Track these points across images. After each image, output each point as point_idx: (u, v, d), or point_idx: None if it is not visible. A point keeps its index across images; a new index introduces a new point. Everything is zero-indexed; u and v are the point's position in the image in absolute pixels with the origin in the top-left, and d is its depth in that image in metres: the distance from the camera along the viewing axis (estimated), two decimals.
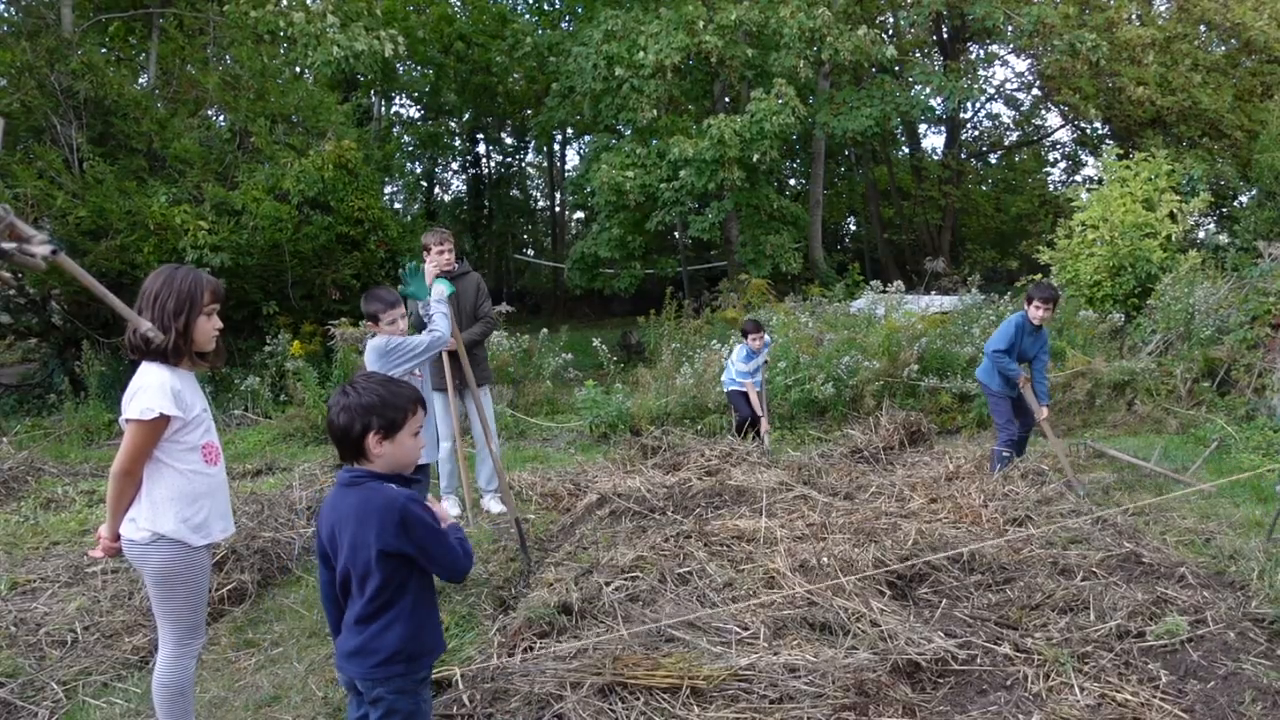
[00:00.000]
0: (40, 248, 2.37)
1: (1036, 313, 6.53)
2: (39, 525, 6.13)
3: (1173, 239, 11.89)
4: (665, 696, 3.39)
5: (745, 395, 8.18)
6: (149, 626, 4.34)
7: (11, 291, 11.30)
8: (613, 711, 3.26)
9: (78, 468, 7.83)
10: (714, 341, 11.16)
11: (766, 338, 8.39)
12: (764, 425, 8.02)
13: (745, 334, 8.22)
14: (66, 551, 5.56)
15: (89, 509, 6.55)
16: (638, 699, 3.36)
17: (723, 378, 8.63)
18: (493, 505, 6.42)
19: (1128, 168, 12.57)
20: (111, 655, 4.12)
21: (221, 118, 12.74)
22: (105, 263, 10.11)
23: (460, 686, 3.54)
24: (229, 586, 4.72)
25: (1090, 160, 26.95)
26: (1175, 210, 12.08)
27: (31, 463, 7.52)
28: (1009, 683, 3.59)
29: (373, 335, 4.92)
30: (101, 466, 7.95)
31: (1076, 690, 3.48)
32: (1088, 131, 25.56)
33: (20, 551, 5.58)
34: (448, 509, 6.36)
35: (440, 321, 4.89)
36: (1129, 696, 3.41)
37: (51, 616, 4.49)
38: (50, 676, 3.91)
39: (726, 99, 18.95)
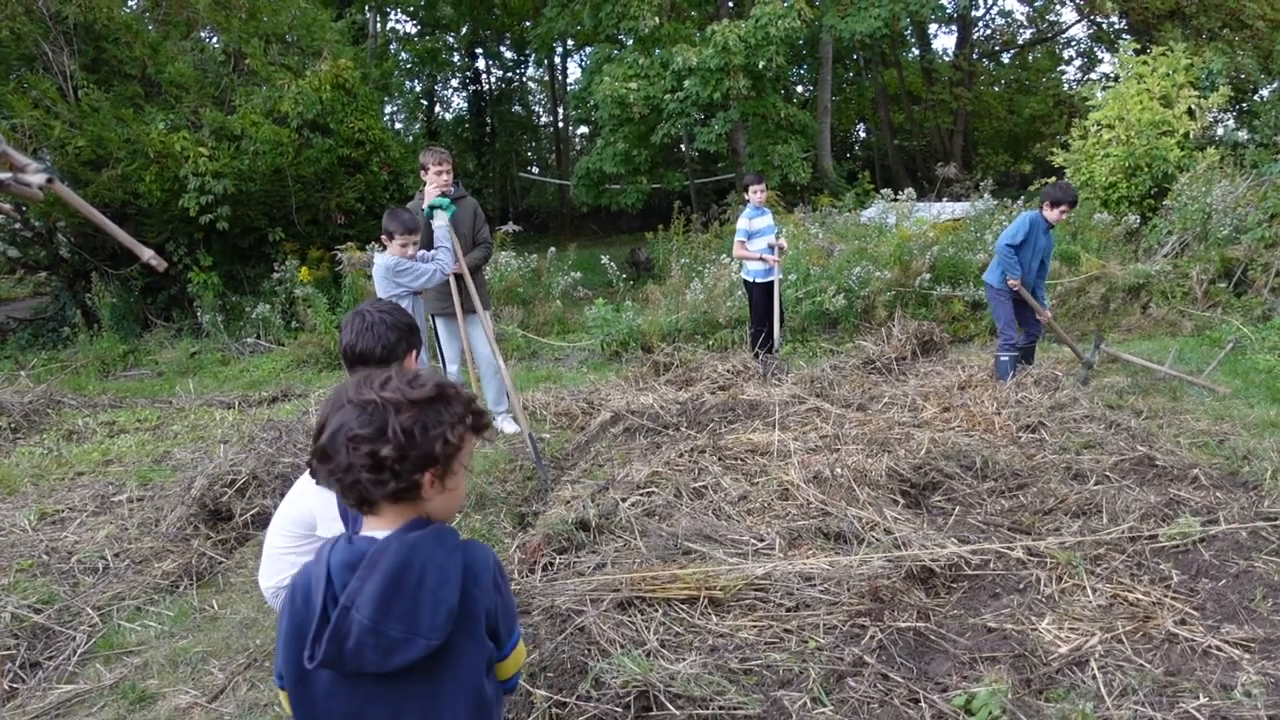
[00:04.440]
0: (35, 176, 2.34)
1: (1054, 214, 6.48)
2: (62, 456, 6.23)
3: (1190, 136, 11.61)
4: (684, 607, 3.46)
5: (761, 291, 7.75)
6: (177, 552, 4.45)
7: (17, 225, 11.26)
8: (633, 623, 3.33)
9: (96, 399, 7.91)
10: (724, 256, 11.07)
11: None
12: (776, 313, 7.66)
13: (747, 187, 7.85)
14: (91, 481, 5.67)
15: (110, 440, 6.64)
16: (656, 610, 3.43)
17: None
18: (505, 425, 6.47)
19: (1145, 63, 12.20)
20: (143, 580, 4.23)
21: (214, 39, 12.46)
22: (108, 193, 10.03)
23: None
24: (252, 511, 4.80)
25: (1106, 57, 26.17)
26: (1194, 106, 11.77)
27: (51, 395, 7.60)
28: (1021, 586, 3.64)
29: (380, 251, 5.18)
30: (119, 397, 8.04)
31: (1089, 591, 3.53)
32: (1104, 26, 24.77)
33: (46, 482, 5.69)
34: None
35: (444, 254, 5.24)
36: (1140, 596, 3.46)
37: (82, 545, 4.59)
38: (85, 602, 4.02)
39: (730, 4, 18.38)
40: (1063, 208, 6.49)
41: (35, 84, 10.13)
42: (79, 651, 3.67)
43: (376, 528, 1.56)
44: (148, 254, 2.76)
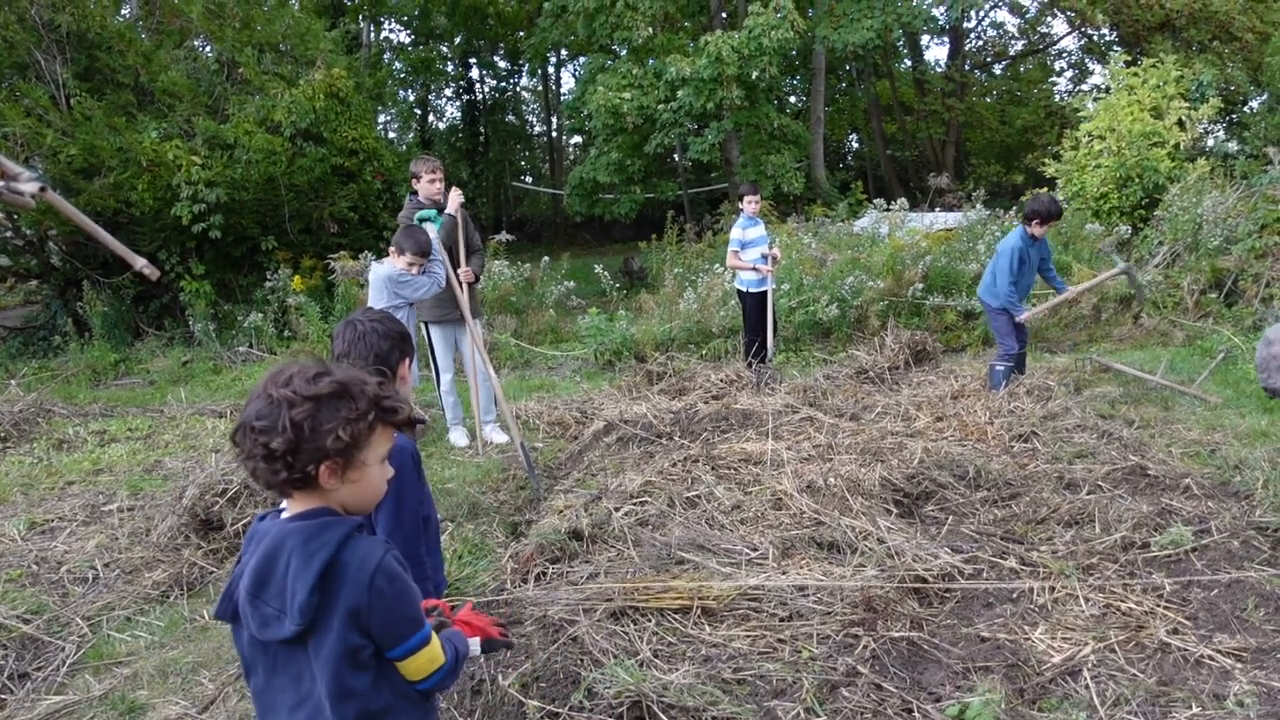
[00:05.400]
0: (28, 185, 2.34)
1: (1039, 230, 6.52)
2: (53, 466, 6.19)
3: (1181, 147, 11.68)
4: (677, 617, 3.45)
5: (755, 301, 7.76)
6: (167, 562, 4.43)
7: (9, 233, 11.22)
8: (626, 633, 3.33)
9: (87, 408, 7.87)
10: (717, 265, 11.09)
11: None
12: (770, 337, 7.70)
13: (742, 197, 7.86)
14: (82, 491, 5.63)
15: (100, 449, 6.61)
16: (649, 620, 3.42)
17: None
18: (494, 435, 6.45)
19: (1135, 75, 12.28)
20: (133, 590, 4.20)
21: (208, 48, 12.45)
22: (100, 201, 10.00)
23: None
24: (244, 521, 4.77)
25: (1097, 68, 26.30)
26: (1184, 118, 11.84)
27: (41, 404, 7.55)
28: (1015, 595, 3.65)
29: (377, 261, 5.24)
30: (110, 406, 8.01)
31: (1081, 601, 3.54)
32: (1094, 38, 24.92)
33: (36, 492, 5.65)
34: (455, 440, 6.51)
35: (437, 267, 5.33)
36: (1133, 605, 3.47)
37: (71, 554, 4.57)
38: (74, 612, 4.00)
39: (723, 14, 18.45)
40: (1051, 225, 6.57)
41: (28, 92, 10.10)
42: (68, 662, 3.64)
43: (289, 508, 1.67)
44: (140, 262, 2.75)
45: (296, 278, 10.64)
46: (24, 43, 10.36)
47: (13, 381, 8.82)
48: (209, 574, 4.44)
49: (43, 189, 2.28)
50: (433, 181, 5.90)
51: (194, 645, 3.75)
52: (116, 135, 10.08)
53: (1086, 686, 3.00)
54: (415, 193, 6.03)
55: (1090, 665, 3.11)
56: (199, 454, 6.33)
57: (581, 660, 3.15)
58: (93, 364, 9.61)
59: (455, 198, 6.01)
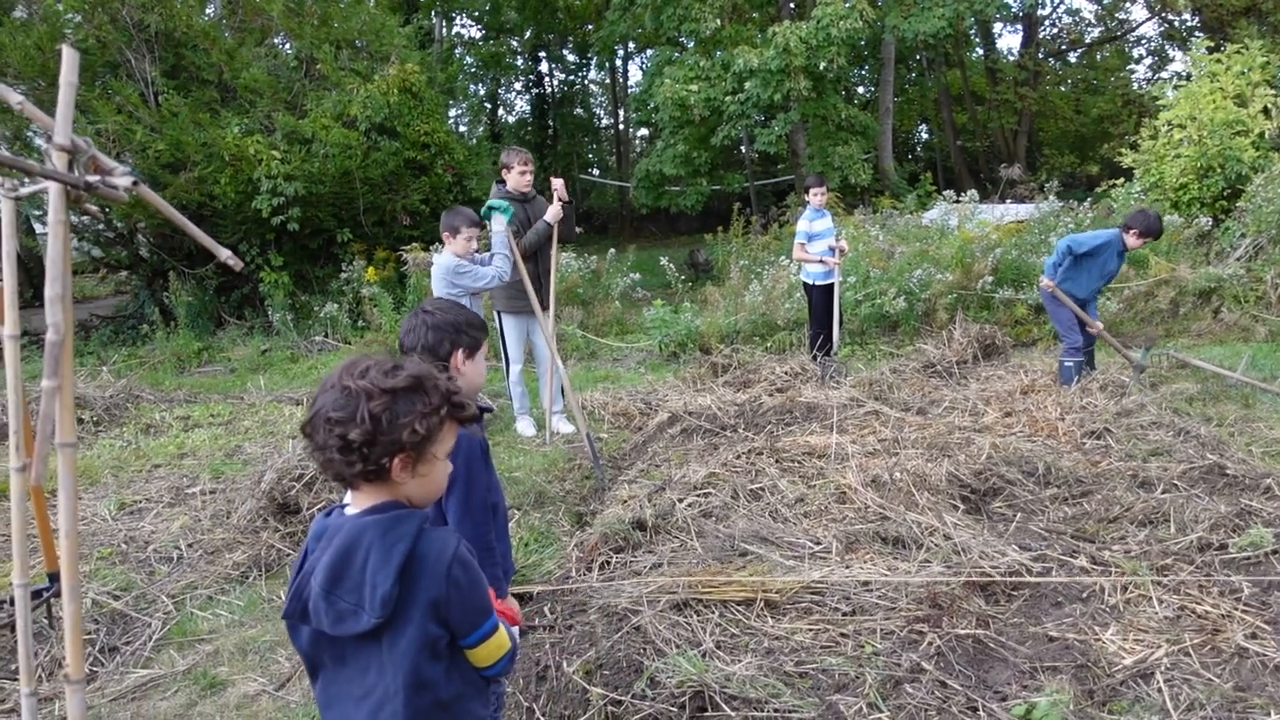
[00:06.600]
0: (122, 179, 2.45)
1: (1136, 241, 6.41)
2: (140, 449, 6.47)
3: (1266, 136, 11.22)
4: (739, 609, 3.47)
5: (821, 294, 7.71)
6: (247, 544, 4.59)
7: (101, 226, 11.71)
8: (688, 624, 3.36)
9: (172, 394, 8.19)
10: (782, 258, 11.03)
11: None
12: (836, 317, 7.65)
13: (808, 189, 7.82)
14: (167, 473, 5.88)
15: (185, 434, 6.87)
16: (712, 611, 3.45)
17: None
18: (561, 425, 6.53)
19: (1218, 61, 11.83)
20: (214, 571, 4.38)
21: (287, 45, 12.80)
22: (185, 195, 10.38)
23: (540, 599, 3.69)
24: (319, 505, 4.93)
25: (1178, 55, 25.44)
26: (1270, 105, 11.38)
27: (130, 390, 7.89)
28: (1085, 595, 3.58)
29: (439, 253, 5.28)
30: (194, 393, 8.32)
31: (1155, 602, 3.46)
32: (1175, 24, 24.06)
33: (125, 474, 5.91)
34: (522, 429, 6.59)
35: (501, 260, 5.32)
36: (1209, 609, 3.38)
37: (158, 535, 4.78)
38: (160, 590, 4.18)
39: (791, 5, 18.28)
40: (1150, 240, 6.48)
41: (119, 90, 10.53)
42: (154, 638, 3.80)
43: (354, 503, 1.68)
44: (225, 254, 2.86)
45: (370, 269, 10.90)
46: (115, 42, 10.78)
47: (104, 368, 9.22)
48: (285, 556, 4.59)
49: (135, 183, 2.39)
50: (523, 174, 6.00)
51: (271, 625, 3.89)
52: (201, 131, 10.45)
53: (1159, 690, 2.94)
54: (503, 182, 6.12)
55: (1163, 668, 3.05)
56: (277, 440, 6.54)
57: (644, 649, 3.19)
58: (178, 352, 9.99)
59: (558, 201, 6.03)
